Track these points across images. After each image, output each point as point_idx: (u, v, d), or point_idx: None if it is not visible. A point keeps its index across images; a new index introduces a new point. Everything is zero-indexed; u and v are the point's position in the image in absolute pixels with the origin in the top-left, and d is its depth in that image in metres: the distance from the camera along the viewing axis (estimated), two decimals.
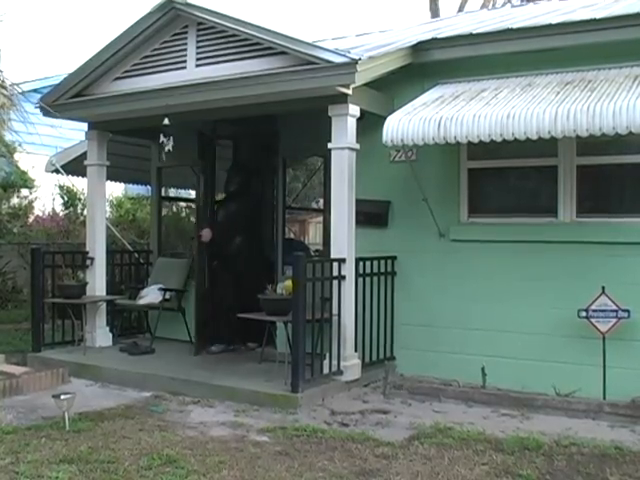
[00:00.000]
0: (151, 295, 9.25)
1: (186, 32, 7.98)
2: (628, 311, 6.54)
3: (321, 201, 8.93)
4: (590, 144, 6.78)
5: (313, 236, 11.78)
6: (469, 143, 6.58)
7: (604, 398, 6.61)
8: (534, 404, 6.65)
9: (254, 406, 6.65)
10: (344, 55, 6.93)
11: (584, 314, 6.68)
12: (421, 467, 5.00)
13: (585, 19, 7.11)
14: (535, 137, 6.14)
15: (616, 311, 6.57)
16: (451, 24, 9.77)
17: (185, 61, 7.98)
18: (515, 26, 7.52)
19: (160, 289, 9.19)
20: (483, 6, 20.06)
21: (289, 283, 7.15)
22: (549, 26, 7.18)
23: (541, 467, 5.05)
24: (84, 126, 9.29)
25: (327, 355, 7.11)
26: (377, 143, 6.89)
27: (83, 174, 9.61)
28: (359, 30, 14.20)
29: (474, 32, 7.59)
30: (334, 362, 7.10)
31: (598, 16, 7.08)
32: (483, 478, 4.84)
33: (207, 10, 7.65)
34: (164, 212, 11.31)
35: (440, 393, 7.01)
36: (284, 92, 7.16)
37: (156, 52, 8.21)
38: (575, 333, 6.83)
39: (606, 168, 7.07)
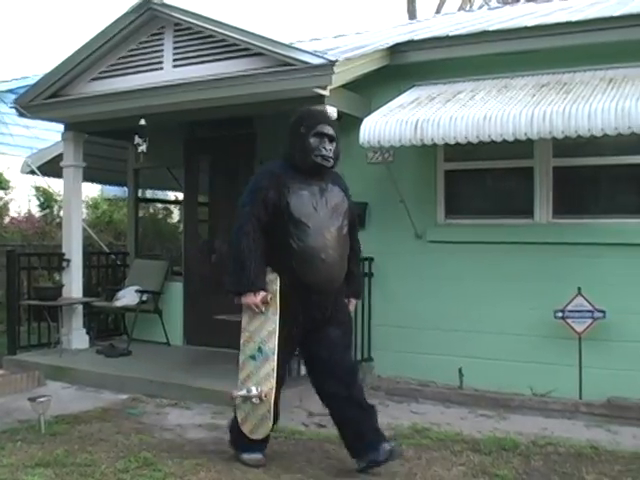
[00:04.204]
0: (128, 297, 9.21)
1: (163, 33, 7.95)
2: (604, 312, 6.58)
3: None
4: (566, 146, 6.82)
5: None
6: (446, 145, 6.61)
7: (580, 398, 6.65)
8: (511, 404, 6.69)
9: (231, 408, 6.60)
10: (321, 56, 6.94)
11: (560, 315, 6.72)
12: (399, 468, 5.00)
13: (561, 22, 7.16)
14: (511, 139, 6.17)
15: (592, 312, 6.62)
16: (428, 26, 9.81)
17: (162, 62, 7.95)
18: (492, 28, 7.56)
19: (137, 291, 9.15)
20: (460, 8, 20.14)
21: None
22: (525, 28, 7.23)
23: (518, 467, 5.06)
24: (59, 127, 9.23)
25: None
26: (354, 144, 6.90)
27: (59, 175, 9.54)
28: (336, 32, 14.19)
29: (451, 34, 7.62)
30: None
31: (574, 19, 7.14)
32: (460, 478, 4.84)
33: (184, 11, 7.63)
34: (141, 213, 11.25)
35: (418, 394, 7.04)
36: (261, 93, 7.15)
37: (133, 53, 8.18)
38: (551, 333, 6.87)
39: (582, 170, 7.11)
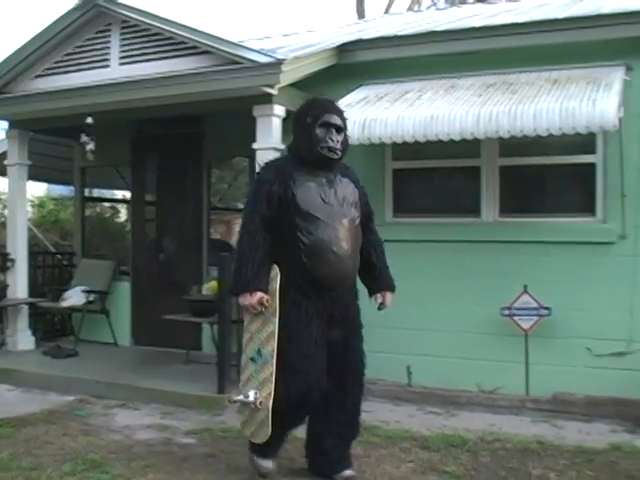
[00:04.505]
0: (74, 297, 9.10)
1: (110, 30, 7.87)
2: (549, 309, 6.68)
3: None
4: (512, 145, 6.90)
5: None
6: (394, 144, 6.66)
7: (527, 394, 6.75)
8: (459, 401, 6.76)
9: (180, 408, 6.60)
10: (269, 55, 6.93)
11: (507, 312, 6.80)
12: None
13: (507, 23, 7.26)
14: (458, 138, 6.23)
15: (538, 309, 6.70)
16: (377, 26, 9.85)
17: (109, 59, 7.87)
18: (439, 29, 7.63)
19: (84, 291, 9.05)
20: (409, 8, 20.27)
21: (214, 284, 7.11)
22: (472, 29, 7.30)
23: (466, 463, 5.12)
24: (3, 124, 9.09)
25: None
26: None
27: (3, 174, 9.39)
28: (286, 30, 14.16)
29: (399, 34, 7.66)
30: None
31: (519, 20, 7.25)
32: (409, 476, 4.88)
33: (130, 8, 7.56)
34: (88, 213, 11.11)
35: (367, 392, 7.00)
36: (209, 92, 7.11)
37: (79, 49, 8.08)
38: (498, 331, 6.94)
39: (528, 169, 7.20)
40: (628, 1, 7.32)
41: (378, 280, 4.95)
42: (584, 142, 6.72)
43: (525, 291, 6.75)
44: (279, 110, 7.18)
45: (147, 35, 7.60)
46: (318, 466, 4.81)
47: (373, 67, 7.65)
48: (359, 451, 5.29)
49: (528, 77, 6.93)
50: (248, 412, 4.59)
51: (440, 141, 6.33)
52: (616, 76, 6.46)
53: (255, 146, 7.22)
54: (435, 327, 7.19)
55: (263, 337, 4.52)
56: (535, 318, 6.72)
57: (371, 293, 4.99)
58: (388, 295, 5.00)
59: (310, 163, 4.58)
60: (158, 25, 7.41)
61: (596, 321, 6.66)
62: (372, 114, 6.60)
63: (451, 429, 5.96)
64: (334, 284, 4.53)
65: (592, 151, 6.83)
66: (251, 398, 4.49)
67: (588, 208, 6.88)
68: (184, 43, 7.36)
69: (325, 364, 4.55)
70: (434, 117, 6.31)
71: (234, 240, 9.98)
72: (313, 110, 4.65)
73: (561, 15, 7.14)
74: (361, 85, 7.63)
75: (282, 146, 7.25)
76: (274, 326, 4.46)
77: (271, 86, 6.94)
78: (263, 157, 7.16)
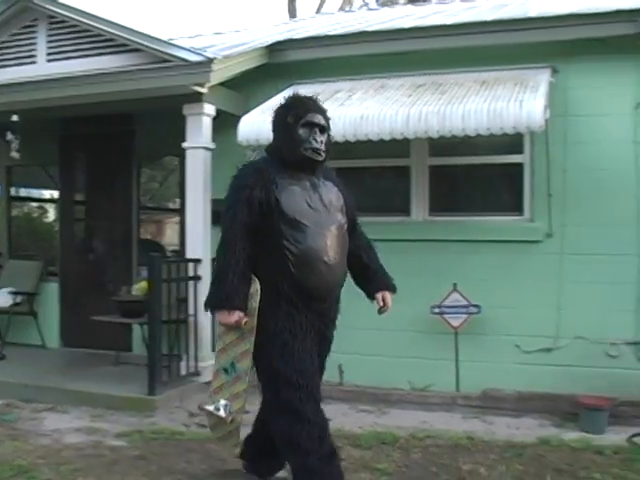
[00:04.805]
0: (1, 299, 8.89)
1: (37, 25, 7.74)
2: (478, 306, 6.77)
3: (178, 201, 8.80)
4: (442, 145, 6.99)
5: (170, 236, 11.58)
6: None
7: (457, 391, 6.84)
8: (390, 399, 6.80)
9: (111, 410, 6.50)
10: (199, 53, 6.90)
11: (437, 310, 6.87)
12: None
13: (437, 25, 7.35)
14: (388, 138, 6.28)
15: (467, 306, 6.80)
16: (308, 25, 9.86)
17: (35, 55, 7.74)
18: (370, 29, 7.67)
19: (10, 292, 8.85)
20: (340, 9, 20.32)
21: (144, 284, 7.04)
22: (402, 30, 7.36)
23: (398, 460, 5.16)
24: None
25: (184, 356, 7.04)
26: (233, 143, 6.89)
27: None
28: (217, 29, 14.09)
29: (329, 34, 7.69)
30: (191, 363, 7.05)
31: (449, 22, 7.33)
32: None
33: (57, 3, 7.44)
34: (14, 213, 10.87)
35: None
36: (138, 90, 7.03)
37: (4, 45, 7.91)
38: (429, 329, 7.01)
39: (457, 169, 7.30)
40: (554, 5, 7.48)
41: (373, 281, 4.71)
42: (512, 142, 6.84)
43: (455, 289, 6.83)
44: (209, 109, 7.14)
45: (75, 32, 7.49)
46: (262, 467, 4.72)
47: (304, 67, 7.66)
48: None
49: (457, 78, 7.01)
50: (216, 419, 4.42)
51: (370, 141, 6.37)
52: (542, 78, 6.59)
53: (185, 145, 7.18)
54: (366, 326, 7.17)
55: (238, 353, 4.27)
56: (464, 316, 6.81)
57: (370, 296, 4.76)
58: (387, 295, 4.74)
59: (292, 165, 4.25)
60: (86, 22, 7.31)
61: (524, 318, 6.79)
62: None
63: (383, 427, 6.00)
64: (324, 296, 4.25)
65: (519, 151, 6.96)
66: (222, 412, 4.29)
67: (516, 207, 7.01)
68: (113, 40, 7.27)
69: (319, 378, 4.40)
70: (364, 117, 6.34)
71: (165, 240, 9.90)
72: (295, 109, 4.33)
73: (489, 18, 7.25)
74: (292, 85, 7.62)
75: (212, 145, 7.24)
76: (250, 345, 4.20)
77: (201, 85, 6.91)
78: (193, 156, 7.16)
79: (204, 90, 6.95)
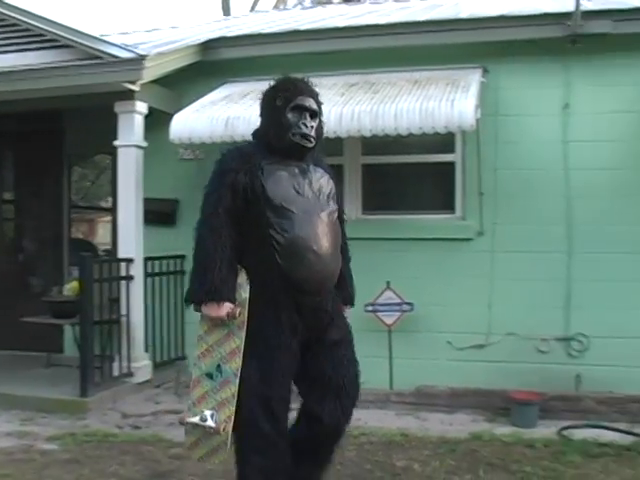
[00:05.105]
0: None
1: None
2: (411, 304, 6.82)
3: (110, 200, 8.70)
4: (374, 144, 7.03)
5: (103, 236, 11.43)
6: None
7: (391, 388, 6.87)
8: None
9: (42, 413, 6.37)
10: (131, 50, 6.82)
11: (370, 308, 6.90)
12: (214, 465, 4.97)
13: (369, 24, 7.39)
14: None
15: (400, 304, 6.84)
16: (242, 23, 9.83)
17: None
18: (303, 28, 7.68)
19: None
20: (275, 7, 20.30)
21: (75, 284, 6.95)
22: (335, 29, 7.39)
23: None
24: None
25: (117, 357, 6.96)
26: (165, 141, 6.83)
27: None
28: (150, 26, 13.94)
29: (262, 32, 7.69)
30: (124, 364, 6.96)
31: (381, 22, 7.38)
32: None
33: None
34: None
35: None
36: (69, 87, 6.89)
37: None
38: (363, 327, 6.98)
39: (389, 167, 7.35)
40: (486, 7, 7.59)
41: (340, 290, 4.20)
42: (444, 142, 6.93)
43: (388, 287, 6.87)
44: (141, 107, 7.06)
45: (3, 26, 7.31)
46: None
47: (237, 65, 7.62)
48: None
49: (390, 77, 7.05)
50: (199, 433, 3.87)
51: None
52: (474, 78, 6.68)
53: (117, 143, 7.08)
54: None
55: (225, 352, 3.80)
56: (398, 314, 6.86)
57: None
58: (346, 310, 4.32)
59: (280, 151, 3.92)
60: (14, 15, 7.15)
61: (456, 315, 6.87)
62: (235, 112, 6.58)
63: None
64: (316, 288, 3.85)
65: (451, 150, 7.05)
66: (210, 422, 3.75)
67: (448, 206, 7.10)
68: (43, 36, 7.13)
69: (289, 392, 3.94)
70: None
71: (97, 239, 9.76)
72: (284, 92, 4.01)
73: (422, 18, 7.33)
74: (225, 83, 7.59)
75: (144, 143, 7.15)
76: (240, 341, 3.75)
77: (133, 82, 6.82)
78: (125, 154, 7.07)
79: (136, 87, 6.87)
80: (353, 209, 7.26)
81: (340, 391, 4.03)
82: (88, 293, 6.55)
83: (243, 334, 3.75)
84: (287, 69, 7.36)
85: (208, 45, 7.62)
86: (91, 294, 6.58)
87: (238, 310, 3.73)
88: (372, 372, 6.93)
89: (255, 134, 4.16)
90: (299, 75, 7.06)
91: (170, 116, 6.89)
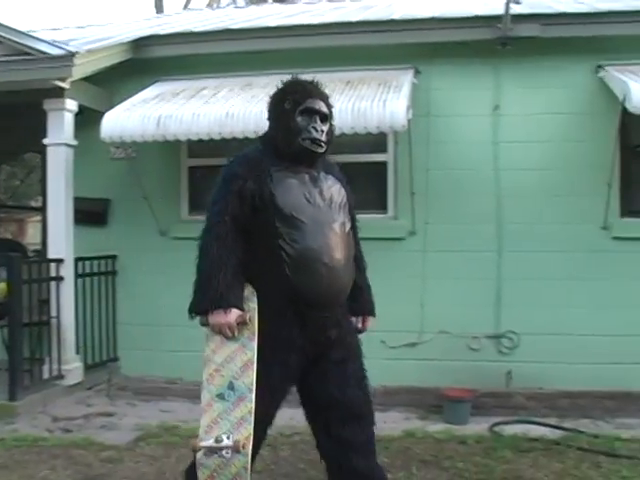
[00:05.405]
0: None
1: None
2: None
3: (40, 199, 8.56)
4: None
5: (32, 236, 11.27)
6: (190, 141, 6.63)
7: None
8: None
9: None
10: (61, 47, 6.72)
11: None
12: (148, 468, 4.96)
13: (302, 24, 7.43)
14: (253, 136, 6.24)
15: None
16: (174, 21, 9.78)
17: None
18: (235, 27, 7.66)
19: None
20: (208, 5, 20.20)
21: (3, 286, 6.80)
22: (268, 29, 7.39)
23: (266, 458, 5.17)
24: None
25: (47, 359, 6.85)
26: (96, 140, 6.73)
27: None
28: (81, 22, 13.77)
29: (195, 30, 7.64)
30: (55, 366, 6.85)
31: (314, 22, 7.40)
32: None
33: None
34: None
35: (166, 392, 7.00)
36: None
37: None
38: None
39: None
40: (417, 9, 7.67)
41: (359, 301, 4.10)
42: (376, 142, 6.98)
43: None
44: (71, 104, 6.96)
45: None
46: None
47: (169, 63, 7.56)
48: (160, 452, 5.24)
49: (322, 77, 7.02)
50: (215, 464, 3.38)
51: (235, 139, 6.35)
52: (405, 79, 6.74)
53: (46, 141, 6.97)
54: None
55: (237, 367, 3.49)
56: None
57: (351, 313, 4.08)
58: (368, 320, 4.23)
59: (288, 157, 3.72)
60: None
61: (389, 314, 6.85)
62: (167, 110, 6.53)
63: None
64: (327, 302, 3.66)
65: (384, 150, 7.11)
66: (225, 442, 3.33)
67: (380, 205, 7.15)
68: None
69: (277, 409, 3.78)
70: (229, 115, 6.32)
71: (27, 239, 9.60)
72: (293, 94, 3.82)
73: (355, 19, 7.37)
74: (157, 81, 7.52)
75: (74, 142, 7.04)
76: (252, 353, 3.46)
77: (63, 79, 6.71)
78: (55, 153, 6.96)
79: (66, 85, 6.76)
80: None
81: (350, 409, 3.88)
82: (17, 294, 6.42)
83: (255, 345, 3.47)
84: (220, 68, 7.44)
85: (140, 43, 7.53)
86: (20, 295, 6.46)
87: (248, 315, 3.49)
88: None
89: (262, 139, 3.94)
90: (233, 74, 7.08)
91: (101, 114, 6.79)
